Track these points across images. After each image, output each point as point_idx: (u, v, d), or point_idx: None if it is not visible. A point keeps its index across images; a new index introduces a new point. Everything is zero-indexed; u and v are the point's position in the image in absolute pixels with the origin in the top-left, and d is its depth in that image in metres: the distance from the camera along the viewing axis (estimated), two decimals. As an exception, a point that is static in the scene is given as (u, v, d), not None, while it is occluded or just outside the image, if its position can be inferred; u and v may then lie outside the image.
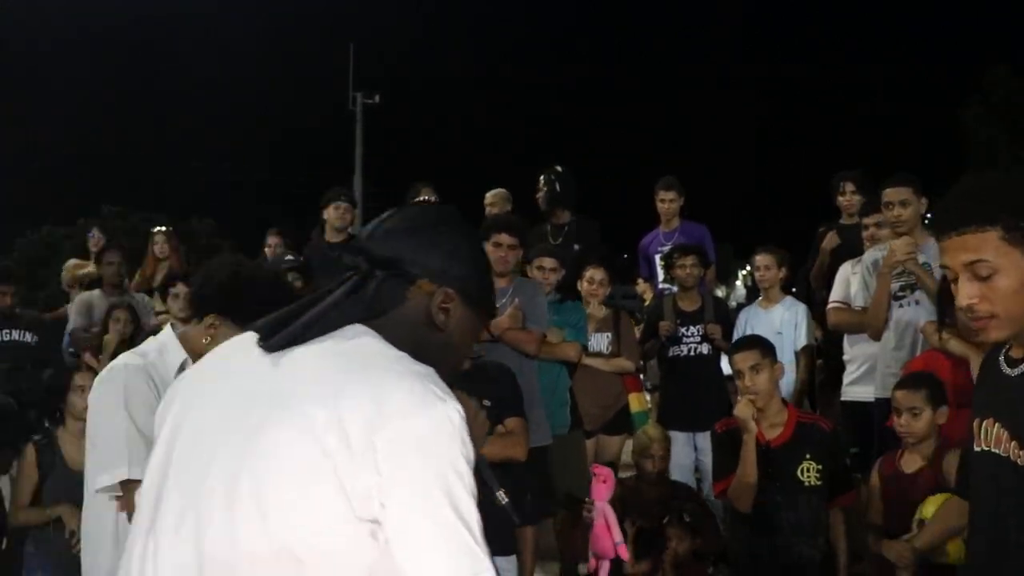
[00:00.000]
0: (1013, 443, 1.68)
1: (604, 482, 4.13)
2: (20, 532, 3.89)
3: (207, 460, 1.22)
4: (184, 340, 2.31)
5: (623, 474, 4.72)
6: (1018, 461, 1.67)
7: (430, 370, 1.24)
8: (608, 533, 4.05)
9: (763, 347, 3.54)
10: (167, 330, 2.37)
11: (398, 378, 1.19)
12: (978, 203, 1.64)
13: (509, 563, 3.44)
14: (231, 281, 2.26)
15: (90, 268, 6.39)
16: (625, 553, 3.97)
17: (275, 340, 1.26)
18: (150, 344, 2.35)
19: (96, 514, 2.25)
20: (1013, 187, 1.67)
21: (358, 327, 1.28)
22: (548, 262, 4.72)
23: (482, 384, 1.35)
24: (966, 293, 1.64)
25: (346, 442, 1.14)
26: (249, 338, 1.32)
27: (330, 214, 5.88)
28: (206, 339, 2.27)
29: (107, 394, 2.22)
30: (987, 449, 1.74)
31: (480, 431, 1.40)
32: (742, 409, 3.40)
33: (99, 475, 2.19)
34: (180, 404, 1.34)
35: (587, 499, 4.11)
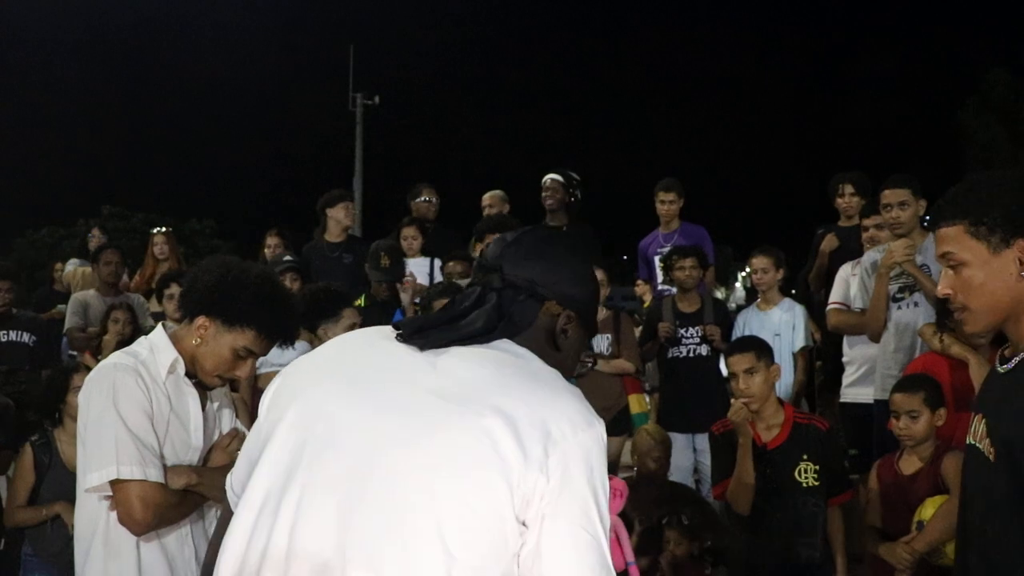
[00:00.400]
0: (988, 439, 1.75)
1: (619, 496, 4.11)
2: (17, 534, 3.88)
3: (369, 451, 1.26)
4: (175, 340, 2.29)
5: (622, 475, 4.72)
6: (989, 456, 1.74)
7: (570, 384, 1.36)
8: (619, 549, 4.03)
9: (758, 349, 3.51)
10: (159, 330, 2.35)
11: (568, 395, 1.31)
12: (952, 200, 1.77)
13: None
14: (220, 282, 2.24)
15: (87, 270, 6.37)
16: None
17: (428, 339, 1.32)
18: (141, 344, 2.33)
19: (87, 514, 2.24)
20: (984, 186, 1.75)
21: (507, 342, 1.37)
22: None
23: None
24: (942, 284, 1.78)
25: (521, 448, 1.21)
26: (385, 332, 1.39)
27: (338, 214, 5.92)
28: (196, 340, 2.25)
29: (97, 393, 2.19)
30: (972, 442, 1.81)
31: None
32: (735, 412, 3.38)
33: (88, 475, 2.17)
34: (316, 388, 1.35)
35: None
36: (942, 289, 1.78)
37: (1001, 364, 1.82)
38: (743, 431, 3.36)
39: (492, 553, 1.20)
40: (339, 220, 5.94)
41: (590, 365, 1.36)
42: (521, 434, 1.20)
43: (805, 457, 3.41)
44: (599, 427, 1.29)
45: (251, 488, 1.31)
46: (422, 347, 1.31)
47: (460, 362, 1.30)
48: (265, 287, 2.27)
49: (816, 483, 3.41)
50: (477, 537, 1.20)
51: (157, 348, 2.27)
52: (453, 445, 1.21)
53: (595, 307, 1.52)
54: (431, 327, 1.35)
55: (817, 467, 3.42)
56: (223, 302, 2.21)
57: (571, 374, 1.48)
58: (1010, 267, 1.70)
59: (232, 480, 1.44)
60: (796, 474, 3.40)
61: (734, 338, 5.32)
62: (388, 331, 1.40)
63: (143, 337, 2.39)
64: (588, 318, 1.49)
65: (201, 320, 2.24)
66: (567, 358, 1.46)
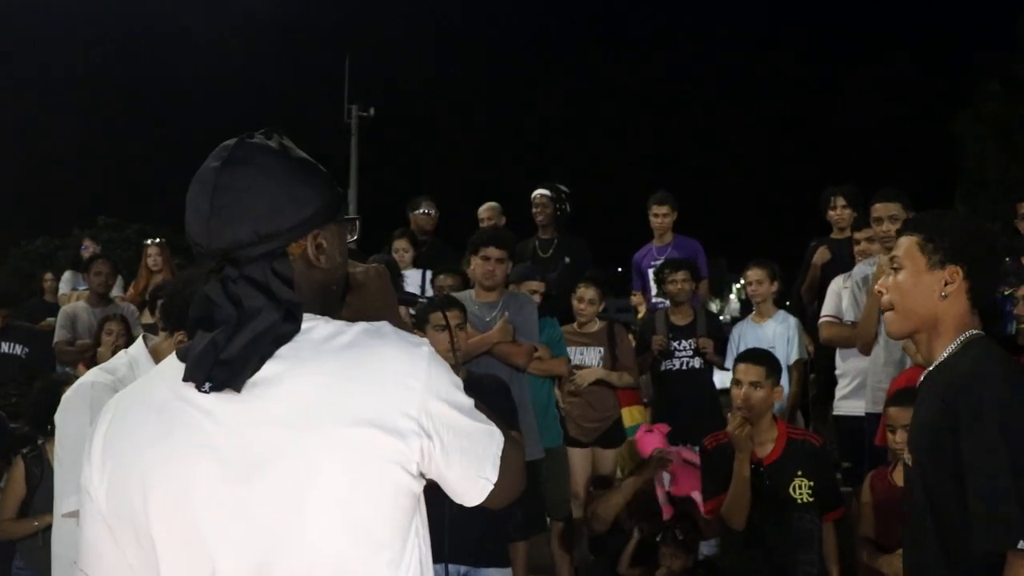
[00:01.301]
0: (907, 448, 2.01)
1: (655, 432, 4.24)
2: (8, 547, 3.86)
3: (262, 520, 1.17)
4: (156, 354, 2.24)
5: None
6: (908, 461, 1.99)
7: (378, 325, 1.26)
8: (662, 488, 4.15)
9: (769, 366, 3.50)
10: (139, 343, 2.29)
11: (380, 344, 1.22)
12: (920, 218, 2.07)
13: (505, 574, 3.42)
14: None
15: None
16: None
17: (234, 377, 1.16)
18: (120, 359, 2.27)
19: (65, 537, 2.16)
20: (949, 218, 2.03)
21: (292, 322, 1.21)
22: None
23: (477, 397, 1.34)
24: (880, 282, 2.04)
25: (388, 430, 1.18)
26: (175, 377, 1.20)
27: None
28: None
29: (74, 413, 2.14)
30: (904, 456, 2.08)
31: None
32: (737, 427, 3.35)
33: (65, 499, 2.10)
34: (152, 476, 1.18)
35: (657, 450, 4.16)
36: (878, 286, 2.04)
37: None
38: (743, 446, 3.33)
39: (408, 517, 1.24)
40: None
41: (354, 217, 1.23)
42: (386, 422, 1.18)
43: (800, 473, 3.40)
44: (424, 347, 1.25)
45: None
46: (236, 387, 1.16)
47: (278, 379, 1.18)
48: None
49: (811, 499, 3.40)
50: (396, 517, 1.22)
51: (137, 363, 2.23)
52: (336, 468, 1.16)
53: (330, 194, 1.29)
54: (221, 362, 1.16)
55: (812, 483, 3.40)
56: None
57: (346, 262, 1.34)
58: (937, 286, 1.95)
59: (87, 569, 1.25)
60: (791, 490, 3.39)
61: (730, 351, 5.34)
62: (180, 388, 1.19)
63: (122, 351, 2.34)
64: (330, 214, 1.28)
65: (181, 336, 2.19)
66: (337, 264, 1.30)
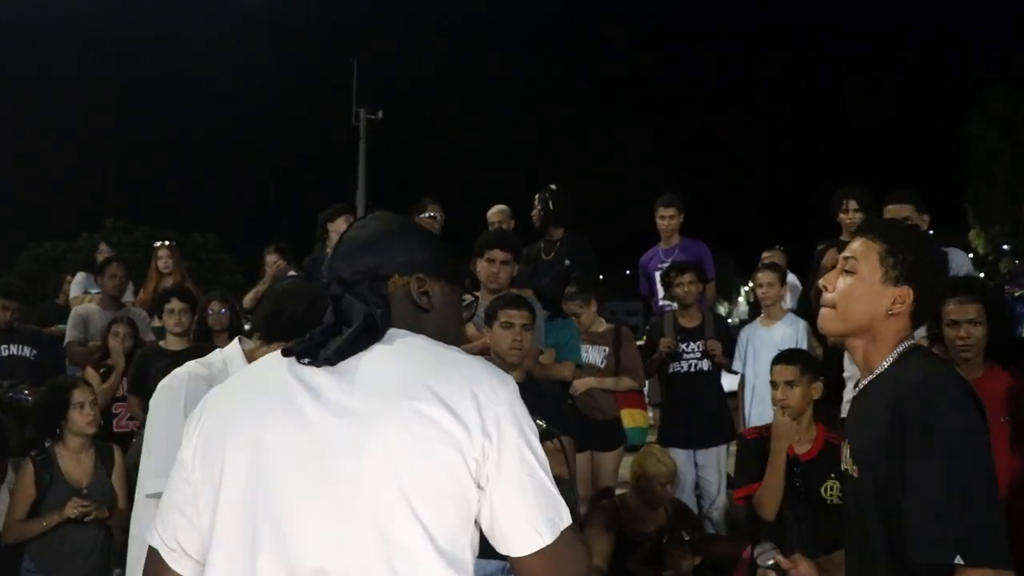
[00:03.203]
0: (851, 459, 1.97)
1: None
2: (17, 548, 3.87)
3: (325, 465, 1.29)
4: (250, 357, 2.28)
5: (619, 490, 4.71)
6: (855, 474, 1.94)
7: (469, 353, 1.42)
8: None
9: (803, 364, 3.59)
10: (235, 344, 2.36)
11: (474, 362, 1.38)
12: (890, 225, 2.03)
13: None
14: (307, 312, 2.23)
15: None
16: None
17: (329, 354, 1.34)
18: (215, 356, 2.34)
19: (144, 518, 2.21)
20: (918, 237, 1.97)
21: (391, 331, 1.40)
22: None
23: (535, 400, 1.35)
24: (828, 278, 1.98)
25: (459, 420, 1.28)
26: (281, 360, 1.40)
27: (340, 227, 5.91)
28: None
29: (167, 401, 2.20)
30: (844, 468, 2.01)
31: None
32: (782, 421, 3.44)
33: (151, 480, 2.17)
34: (246, 422, 1.36)
35: None
36: (824, 281, 1.98)
37: (853, 389, 2.02)
38: (783, 435, 3.41)
39: (461, 521, 1.30)
40: (340, 233, 5.93)
41: (472, 301, 1.36)
42: (455, 407, 1.29)
43: (833, 476, 3.43)
44: (511, 381, 1.37)
45: (219, 536, 1.33)
46: (332, 362, 1.35)
47: (370, 363, 1.35)
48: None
49: (840, 502, 3.42)
50: (447, 510, 1.28)
51: (231, 361, 2.29)
52: (400, 437, 1.28)
53: (443, 259, 1.53)
54: (319, 345, 1.37)
55: (843, 486, 3.44)
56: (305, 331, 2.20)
57: (460, 327, 1.56)
58: (886, 301, 1.90)
59: (163, 533, 1.40)
60: (822, 490, 3.44)
61: (738, 354, 5.33)
62: (285, 360, 1.41)
63: (217, 351, 2.40)
64: (440, 270, 1.51)
65: (278, 347, 2.24)
66: (446, 317, 1.50)
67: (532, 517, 1.30)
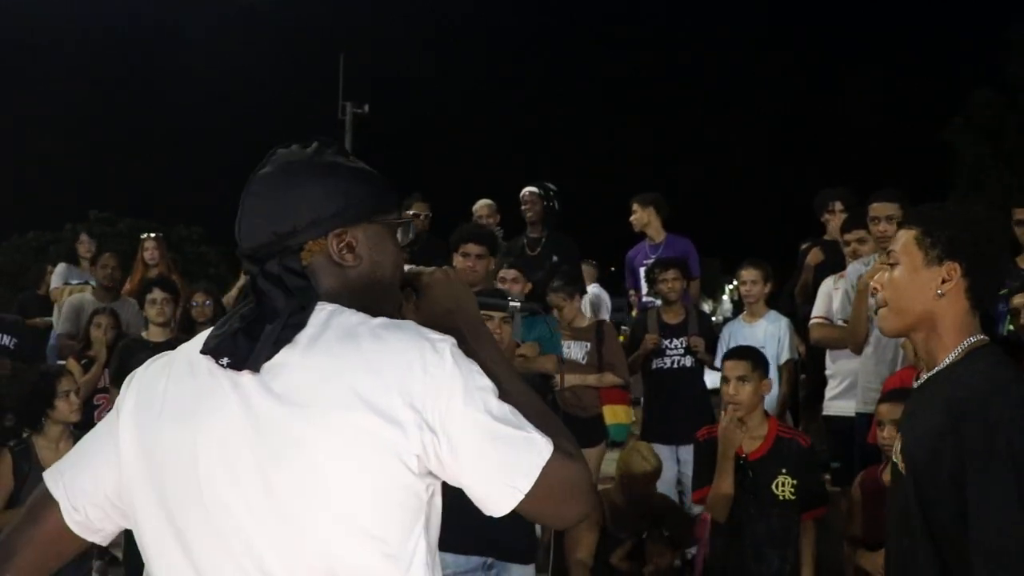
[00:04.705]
0: (901, 454, 1.89)
1: None
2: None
3: (252, 488, 1.21)
4: None
5: (602, 486, 4.71)
6: (902, 470, 1.87)
7: (402, 321, 1.28)
8: None
9: (754, 360, 3.56)
10: None
11: (400, 340, 1.23)
12: (920, 211, 1.95)
13: (528, 571, 3.39)
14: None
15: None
16: None
17: (250, 363, 1.23)
18: None
19: None
20: (950, 211, 1.91)
21: (320, 307, 1.27)
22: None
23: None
24: (876, 278, 1.94)
25: (390, 420, 1.18)
26: (198, 361, 1.28)
27: None
28: None
29: None
30: (893, 460, 1.95)
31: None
32: (728, 426, 3.40)
33: None
34: (154, 435, 1.27)
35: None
36: (873, 282, 1.94)
37: (915, 381, 1.95)
38: (729, 441, 3.37)
39: (410, 515, 1.23)
40: None
41: (408, 219, 1.23)
42: (385, 409, 1.18)
43: (784, 471, 3.44)
44: (445, 347, 1.23)
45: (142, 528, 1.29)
46: (255, 369, 1.23)
47: (293, 365, 1.23)
48: None
49: (792, 497, 3.44)
50: (392, 512, 1.21)
51: None
52: (330, 450, 1.18)
53: (361, 194, 1.33)
54: (242, 346, 1.24)
55: (795, 482, 3.44)
56: None
57: (396, 259, 1.38)
58: (933, 283, 1.83)
59: (69, 490, 1.33)
60: (773, 487, 3.43)
61: (720, 350, 5.34)
62: (202, 362, 1.28)
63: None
64: (359, 213, 1.32)
65: None
66: (375, 262, 1.34)
67: (504, 476, 1.21)
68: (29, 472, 3.79)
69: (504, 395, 1.26)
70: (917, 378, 1.96)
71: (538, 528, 4.54)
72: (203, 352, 1.27)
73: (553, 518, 1.30)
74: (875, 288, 1.93)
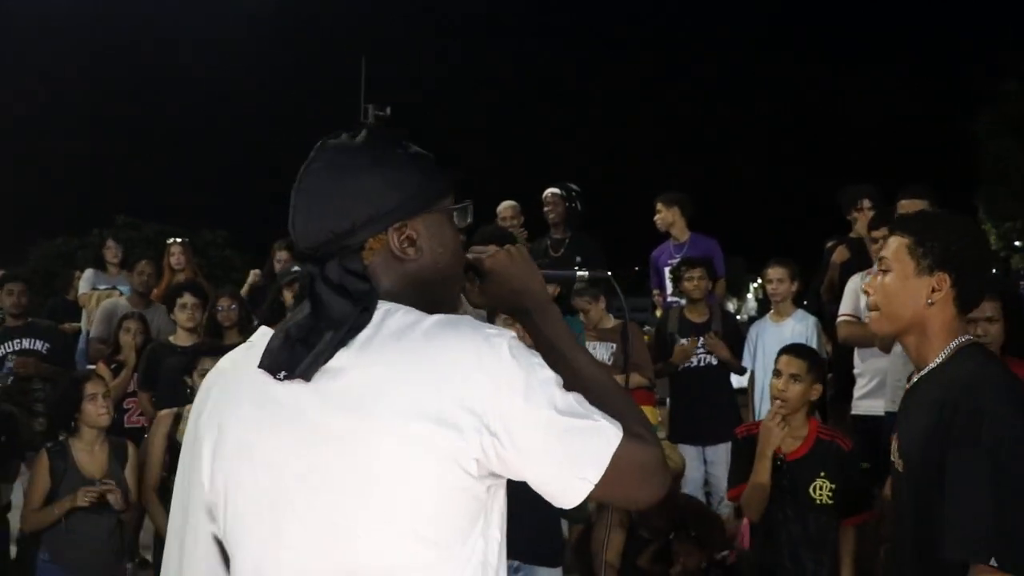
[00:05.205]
0: (898, 453, 1.97)
1: None
2: (33, 540, 3.90)
3: (320, 499, 1.20)
4: None
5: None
6: (900, 469, 1.95)
7: (457, 317, 1.23)
8: None
9: (811, 361, 3.52)
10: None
11: (458, 340, 1.19)
12: (913, 218, 2.04)
13: (555, 574, 3.39)
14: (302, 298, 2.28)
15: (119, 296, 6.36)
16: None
17: (304, 370, 1.20)
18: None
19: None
20: (943, 221, 1.98)
21: (377, 312, 1.23)
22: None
23: None
24: (869, 282, 2.01)
25: (449, 426, 1.15)
26: (255, 375, 1.25)
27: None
28: None
29: None
30: (892, 459, 2.01)
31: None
32: (771, 418, 3.37)
33: None
34: (223, 454, 1.26)
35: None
36: (867, 285, 2.02)
37: (908, 383, 2.03)
38: (769, 439, 3.35)
39: (467, 518, 1.20)
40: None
41: (466, 204, 1.20)
42: (443, 415, 1.15)
43: (823, 474, 3.37)
44: (500, 339, 1.19)
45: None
46: (306, 377, 1.20)
47: (350, 369, 1.19)
48: None
49: (830, 501, 3.37)
50: (448, 515, 1.19)
51: None
52: (384, 455, 1.16)
53: (421, 183, 1.28)
54: (300, 357, 1.21)
55: (833, 485, 3.37)
56: None
57: (456, 247, 1.32)
58: (924, 291, 1.91)
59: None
60: (811, 490, 3.37)
61: (747, 351, 5.32)
62: (258, 375, 1.24)
63: (252, 343, 2.36)
64: (418, 204, 1.27)
65: None
66: (437, 253, 1.29)
67: (573, 468, 1.17)
68: (65, 472, 3.86)
69: (573, 375, 1.23)
70: (910, 379, 2.04)
71: (564, 529, 4.56)
72: (260, 367, 1.24)
73: (625, 501, 1.29)
74: (867, 291, 2.01)
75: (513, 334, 1.22)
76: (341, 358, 1.20)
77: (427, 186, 1.29)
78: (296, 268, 5.68)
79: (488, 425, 1.16)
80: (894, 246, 1.96)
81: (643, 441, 1.23)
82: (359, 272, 1.24)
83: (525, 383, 1.17)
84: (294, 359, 1.21)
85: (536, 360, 1.21)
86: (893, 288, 1.94)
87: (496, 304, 1.31)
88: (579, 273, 1.60)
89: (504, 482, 1.24)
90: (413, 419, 1.15)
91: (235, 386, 1.29)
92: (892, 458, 1.99)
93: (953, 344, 1.91)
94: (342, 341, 1.20)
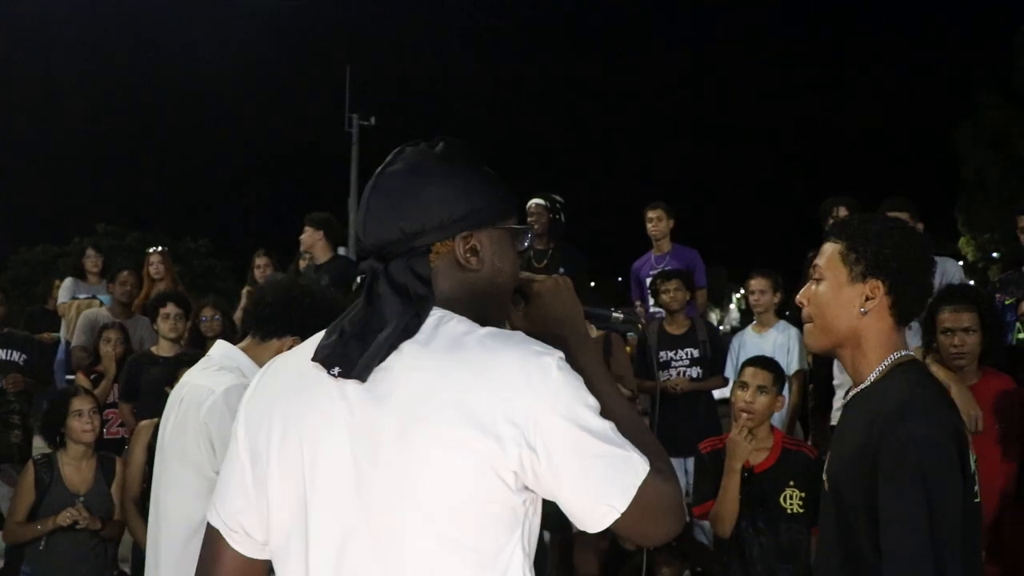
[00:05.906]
0: (825, 471, 1.87)
1: None
2: (17, 552, 3.89)
3: (356, 499, 1.24)
4: (255, 358, 2.26)
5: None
6: (825, 487, 1.86)
7: (510, 332, 1.27)
8: None
9: (777, 373, 3.53)
10: (233, 350, 2.31)
11: (507, 356, 1.22)
12: (845, 223, 1.89)
13: None
14: (282, 304, 2.28)
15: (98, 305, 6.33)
16: None
17: (359, 371, 1.23)
18: (224, 364, 2.27)
19: (176, 533, 2.21)
20: (876, 225, 1.85)
21: (432, 317, 1.26)
22: None
23: None
24: (801, 292, 1.89)
25: (490, 435, 1.18)
26: (307, 370, 1.29)
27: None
28: None
29: (222, 421, 2.12)
30: (823, 477, 1.91)
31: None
32: (738, 432, 3.36)
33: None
34: (268, 448, 1.30)
35: None
36: (799, 296, 1.90)
37: (843, 400, 1.94)
38: (737, 453, 3.34)
39: (505, 528, 1.23)
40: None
41: (525, 228, 1.27)
42: (486, 424, 1.18)
43: (792, 483, 3.38)
44: (551, 364, 1.22)
45: (277, 530, 1.32)
46: (363, 379, 1.23)
47: (400, 371, 1.23)
48: (329, 302, 2.30)
49: (801, 510, 3.37)
50: (487, 524, 1.22)
51: (245, 368, 2.24)
52: (428, 459, 1.20)
53: (491, 198, 1.33)
54: (353, 353, 1.24)
55: (803, 494, 3.39)
56: (311, 322, 2.12)
57: (514, 266, 1.37)
58: (856, 300, 1.80)
59: (223, 512, 1.37)
60: (781, 500, 3.37)
61: (730, 362, 5.33)
62: (311, 370, 1.28)
63: (210, 357, 2.33)
64: (485, 218, 1.31)
65: (291, 341, 2.25)
66: (497, 269, 1.33)
67: (601, 495, 1.20)
68: (50, 485, 3.86)
69: (605, 411, 1.25)
70: (845, 396, 1.95)
71: (546, 537, 4.56)
72: (314, 360, 1.27)
73: (642, 536, 1.29)
74: (801, 302, 1.89)
75: (561, 354, 1.24)
76: (392, 360, 1.24)
77: (496, 203, 1.34)
78: (280, 275, 5.67)
79: (528, 439, 1.19)
80: (828, 253, 1.85)
81: (667, 478, 1.26)
82: (424, 276, 1.28)
83: (568, 403, 1.20)
84: (348, 357, 1.24)
85: (580, 383, 1.24)
86: (826, 297, 1.83)
87: (537, 329, 1.33)
88: (614, 315, 1.67)
89: (540, 501, 1.26)
90: (457, 422, 1.19)
91: (290, 377, 1.34)
92: (823, 476, 1.90)
93: (888, 360, 1.80)
94: (394, 344, 1.23)
